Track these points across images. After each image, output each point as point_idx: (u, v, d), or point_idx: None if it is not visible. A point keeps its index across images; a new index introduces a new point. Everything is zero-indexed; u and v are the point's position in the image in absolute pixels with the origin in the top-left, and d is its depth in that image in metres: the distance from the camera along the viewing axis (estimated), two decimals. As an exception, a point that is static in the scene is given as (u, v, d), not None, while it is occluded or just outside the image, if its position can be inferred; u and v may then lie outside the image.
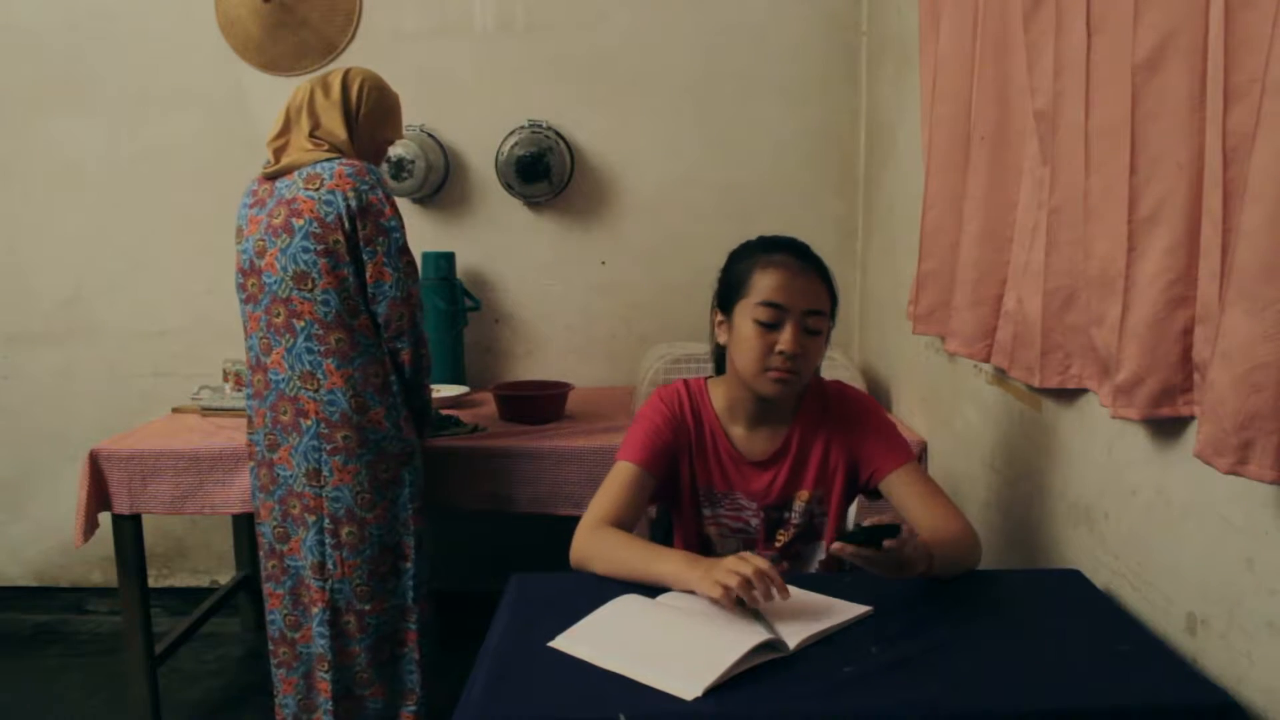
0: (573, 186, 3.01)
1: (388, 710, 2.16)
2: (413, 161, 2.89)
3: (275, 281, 1.99)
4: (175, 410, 2.77)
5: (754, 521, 1.62)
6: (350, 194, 1.95)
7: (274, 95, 2.98)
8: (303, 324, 1.99)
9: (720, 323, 1.59)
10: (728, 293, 1.57)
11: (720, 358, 1.67)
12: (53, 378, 3.16)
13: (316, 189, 1.96)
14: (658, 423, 1.60)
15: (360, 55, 2.95)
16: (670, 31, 2.97)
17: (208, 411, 2.66)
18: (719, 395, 1.63)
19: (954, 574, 1.40)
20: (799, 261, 1.52)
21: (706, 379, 1.68)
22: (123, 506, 2.37)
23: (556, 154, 2.93)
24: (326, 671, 2.09)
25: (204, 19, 2.99)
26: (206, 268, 3.05)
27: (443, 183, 3.02)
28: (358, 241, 1.98)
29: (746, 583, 1.22)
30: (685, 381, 1.66)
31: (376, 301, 2.01)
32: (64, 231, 3.10)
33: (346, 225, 1.96)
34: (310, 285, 1.97)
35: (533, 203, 3.02)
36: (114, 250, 3.10)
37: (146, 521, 2.47)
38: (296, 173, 2.00)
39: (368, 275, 1.99)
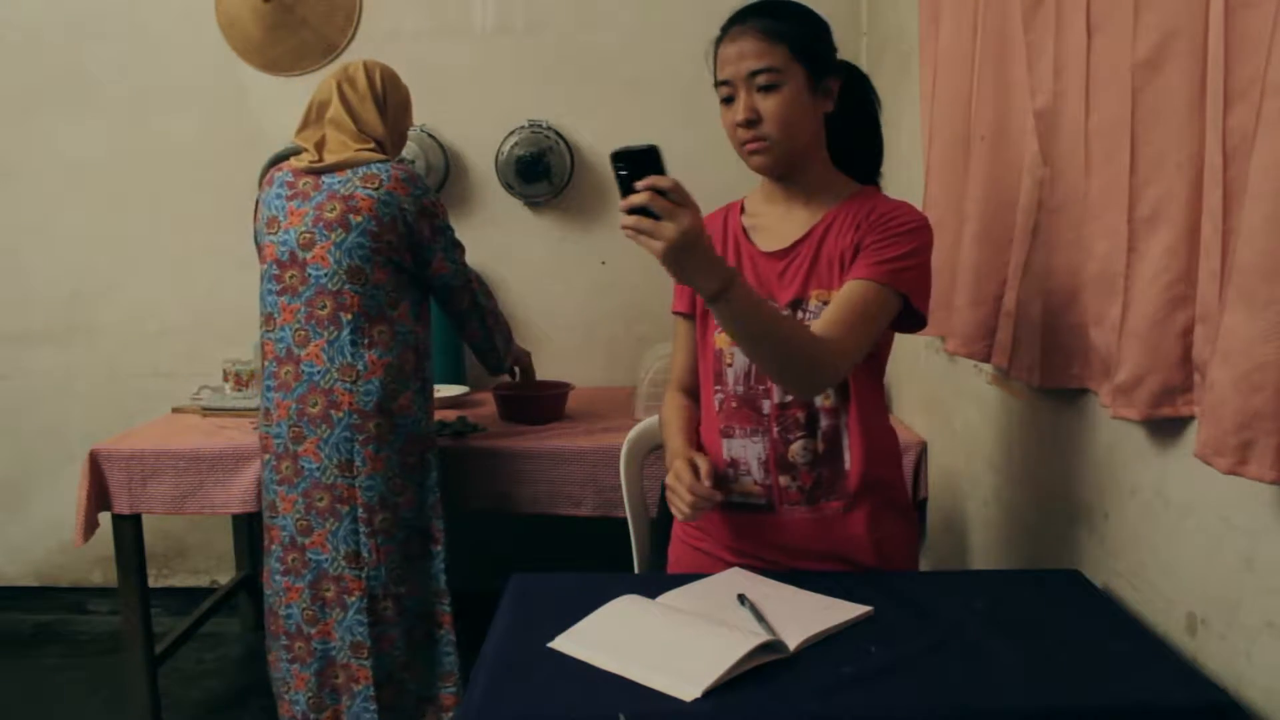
0: (573, 186, 3.01)
1: (426, 690, 2.18)
2: (413, 161, 2.88)
3: (325, 274, 2.04)
4: (175, 410, 2.77)
5: None
6: (408, 200, 2.05)
7: (274, 95, 2.98)
8: (350, 317, 2.04)
9: None
10: None
11: None
12: (53, 378, 3.16)
13: (375, 189, 2.03)
14: None
15: (360, 55, 2.90)
16: (670, 31, 2.96)
17: (208, 411, 2.66)
18: (757, 191, 1.60)
19: (770, 362, 1.32)
20: (737, 26, 1.42)
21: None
22: (123, 506, 2.37)
23: (556, 154, 2.93)
24: (366, 659, 2.09)
25: (204, 19, 2.99)
26: (206, 268, 3.05)
27: (443, 183, 3.01)
28: (412, 242, 2.07)
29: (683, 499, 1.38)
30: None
31: (439, 292, 2.16)
32: (64, 231, 3.10)
33: (401, 227, 2.05)
34: (363, 280, 2.04)
35: (533, 203, 3.02)
36: (114, 250, 3.10)
37: (146, 521, 2.47)
38: (350, 170, 2.05)
39: (432, 269, 2.12)
